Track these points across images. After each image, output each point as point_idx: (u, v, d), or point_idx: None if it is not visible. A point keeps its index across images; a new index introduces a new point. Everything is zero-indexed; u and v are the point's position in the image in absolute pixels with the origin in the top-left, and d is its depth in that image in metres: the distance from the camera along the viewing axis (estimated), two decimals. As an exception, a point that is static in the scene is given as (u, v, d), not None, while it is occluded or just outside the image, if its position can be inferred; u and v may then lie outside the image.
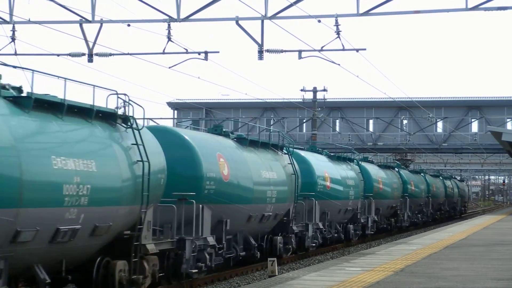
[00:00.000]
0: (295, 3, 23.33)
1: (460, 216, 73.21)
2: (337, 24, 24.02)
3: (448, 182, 67.90)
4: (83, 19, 24.44)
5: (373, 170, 40.44)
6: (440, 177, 65.49)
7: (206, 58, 25.59)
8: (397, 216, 45.47)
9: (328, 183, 31.03)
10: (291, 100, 56.88)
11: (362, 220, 36.87)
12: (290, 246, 26.38)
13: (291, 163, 26.18)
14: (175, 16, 24.01)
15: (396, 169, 47.20)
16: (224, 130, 23.34)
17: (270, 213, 24.10)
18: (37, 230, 12.70)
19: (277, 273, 21.14)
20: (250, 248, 23.33)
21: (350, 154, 39.00)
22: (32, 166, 12.51)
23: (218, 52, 26.03)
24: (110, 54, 25.72)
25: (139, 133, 15.82)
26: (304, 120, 64.01)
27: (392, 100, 53.73)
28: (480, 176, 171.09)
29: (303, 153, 30.41)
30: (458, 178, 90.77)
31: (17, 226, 12.28)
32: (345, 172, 34.00)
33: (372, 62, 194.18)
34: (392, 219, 44.93)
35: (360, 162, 38.42)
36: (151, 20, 24.57)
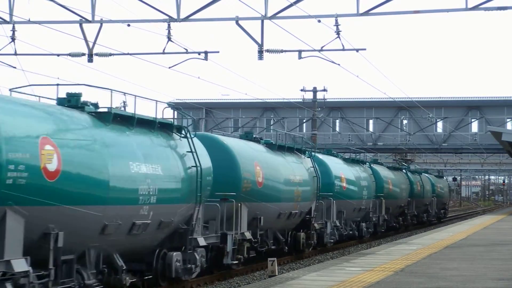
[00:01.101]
0: (295, 3, 23.33)
1: (438, 221, 60.17)
2: (337, 24, 24.02)
3: (415, 177, 52.15)
4: (83, 19, 24.44)
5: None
6: (403, 170, 50.72)
7: (206, 58, 25.59)
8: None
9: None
10: (291, 100, 56.90)
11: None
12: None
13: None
14: (175, 16, 24.01)
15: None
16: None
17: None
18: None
19: (277, 273, 21.15)
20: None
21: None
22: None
23: (218, 52, 26.03)
24: (110, 54, 25.71)
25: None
26: (304, 120, 64.03)
27: (392, 100, 53.72)
28: (480, 176, 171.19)
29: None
30: (438, 173, 69.34)
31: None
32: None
33: (372, 62, 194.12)
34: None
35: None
36: (151, 20, 24.57)
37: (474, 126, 65.75)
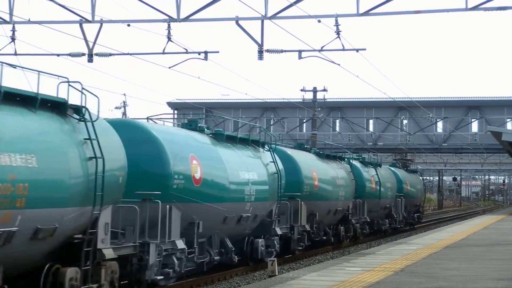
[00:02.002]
0: (295, 3, 23.33)
1: (411, 228, 49.94)
2: (337, 24, 24.02)
3: (366, 171, 38.69)
4: (83, 19, 24.44)
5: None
6: (345, 160, 36.82)
7: (206, 58, 25.58)
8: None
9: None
10: (291, 100, 56.88)
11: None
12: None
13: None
14: (175, 16, 24.01)
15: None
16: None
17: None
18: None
19: (277, 273, 21.14)
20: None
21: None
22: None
23: (218, 52, 26.02)
24: (110, 54, 25.71)
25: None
26: (304, 120, 64.00)
27: (392, 100, 53.71)
28: (480, 176, 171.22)
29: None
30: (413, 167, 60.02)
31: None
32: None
33: (372, 62, 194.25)
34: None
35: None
36: (151, 20, 24.56)
37: (474, 126, 65.72)
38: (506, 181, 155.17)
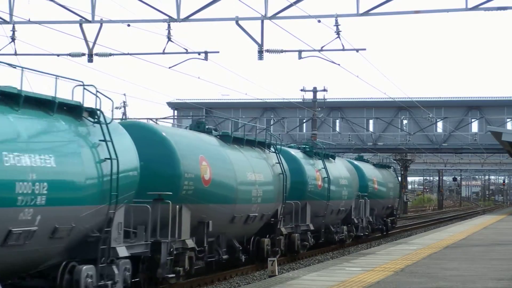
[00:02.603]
0: (295, 3, 23.32)
1: (383, 234, 41.95)
2: (337, 24, 24.02)
3: (316, 165, 30.39)
4: (83, 19, 24.43)
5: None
6: (270, 149, 25.64)
7: (206, 58, 25.58)
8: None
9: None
10: (291, 100, 56.90)
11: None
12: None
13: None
14: (175, 16, 24.00)
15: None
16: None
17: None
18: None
19: (277, 273, 21.13)
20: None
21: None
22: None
23: (218, 52, 26.03)
24: (110, 54, 25.71)
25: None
26: (304, 120, 64.01)
27: (392, 100, 53.71)
28: (480, 176, 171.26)
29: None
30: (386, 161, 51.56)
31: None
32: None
33: (372, 62, 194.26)
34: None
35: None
36: (151, 20, 24.56)
37: (474, 126, 65.75)
38: (506, 181, 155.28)
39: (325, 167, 30.72)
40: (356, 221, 35.20)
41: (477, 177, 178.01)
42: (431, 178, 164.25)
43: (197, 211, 19.17)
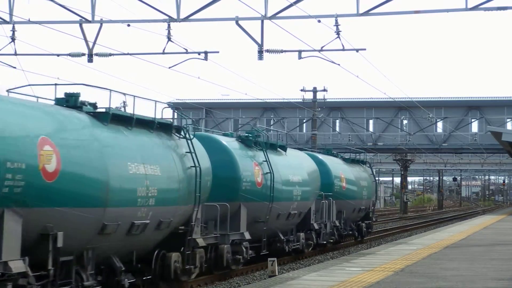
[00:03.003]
0: (295, 3, 23.32)
1: (358, 241, 36.80)
2: (337, 24, 24.01)
3: (256, 157, 24.12)
4: (83, 19, 24.43)
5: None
6: (179, 135, 19.08)
7: (206, 58, 25.58)
8: None
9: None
10: (291, 100, 56.88)
11: (316, 226, 29.47)
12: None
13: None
14: (175, 16, 24.00)
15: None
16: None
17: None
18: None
19: (277, 273, 21.13)
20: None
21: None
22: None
23: (218, 52, 26.01)
24: (110, 54, 25.70)
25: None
26: (304, 120, 64.00)
27: (392, 100, 53.69)
28: (480, 176, 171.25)
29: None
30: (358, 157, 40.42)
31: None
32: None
33: (372, 62, 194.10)
34: None
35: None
36: (151, 20, 24.56)
37: (474, 126, 65.72)
38: (506, 181, 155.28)
39: (267, 160, 24.55)
40: (317, 227, 29.68)
41: (477, 177, 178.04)
42: (431, 178, 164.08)
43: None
